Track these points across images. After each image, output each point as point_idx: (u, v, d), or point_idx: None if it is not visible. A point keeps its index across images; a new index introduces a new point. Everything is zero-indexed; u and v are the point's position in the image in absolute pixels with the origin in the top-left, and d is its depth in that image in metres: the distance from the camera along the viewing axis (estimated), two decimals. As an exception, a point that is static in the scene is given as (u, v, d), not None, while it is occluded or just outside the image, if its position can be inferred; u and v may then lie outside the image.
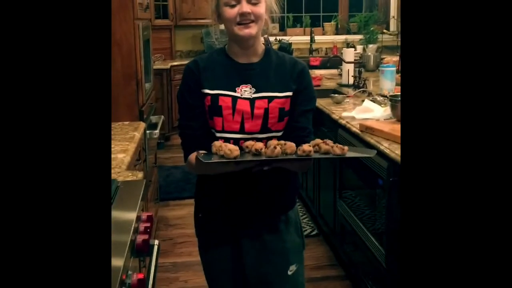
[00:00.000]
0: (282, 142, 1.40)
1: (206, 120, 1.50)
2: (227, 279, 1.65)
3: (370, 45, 5.42)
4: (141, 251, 1.39)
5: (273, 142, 1.42)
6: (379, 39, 5.77)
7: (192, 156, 1.50)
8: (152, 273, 1.45)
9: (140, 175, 1.83)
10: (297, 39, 6.26)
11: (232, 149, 1.31)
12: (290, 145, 1.35)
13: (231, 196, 1.54)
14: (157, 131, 3.00)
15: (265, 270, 1.57)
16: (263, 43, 1.56)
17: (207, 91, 1.48)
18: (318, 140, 1.43)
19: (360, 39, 6.02)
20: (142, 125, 2.65)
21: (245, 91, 1.47)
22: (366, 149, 1.40)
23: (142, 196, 1.58)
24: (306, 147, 1.33)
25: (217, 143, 1.41)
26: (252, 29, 1.43)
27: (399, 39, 5.15)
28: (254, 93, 1.47)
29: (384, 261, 2.10)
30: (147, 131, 2.84)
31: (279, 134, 1.50)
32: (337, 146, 1.34)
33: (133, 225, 1.34)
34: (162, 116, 3.45)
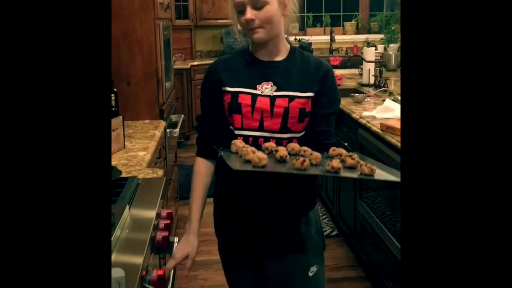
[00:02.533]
0: (305, 149, 1.36)
1: (219, 123, 1.50)
2: (247, 281, 1.64)
3: (391, 45, 5.36)
4: (161, 248, 1.40)
5: (294, 146, 1.39)
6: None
7: (197, 165, 1.57)
8: (172, 270, 1.45)
9: (160, 172, 1.84)
10: (317, 38, 6.24)
11: (261, 158, 1.27)
12: (316, 156, 1.31)
13: (248, 196, 1.51)
14: (177, 129, 3.01)
15: (286, 272, 1.55)
16: (289, 42, 1.53)
17: (228, 88, 1.47)
18: (343, 151, 1.37)
19: (381, 39, 5.97)
20: (163, 123, 2.66)
21: (266, 88, 1.44)
22: (394, 170, 1.34)
23: (162, 194, 1.59)
24: (335, 163, 1.27)
25: (238, 143, 1.39)
26: (260, 34, 1.41)
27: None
28: (275, 91, 1.44)
29: (405, 262, 2.07)
30: (167, 130, 2.85)
31: (299, 134, 1.47)
32: (366, 165, 1.27)
33: (153, 222, 1.35)
34: (182, 115, 3.47)
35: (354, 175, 1.30)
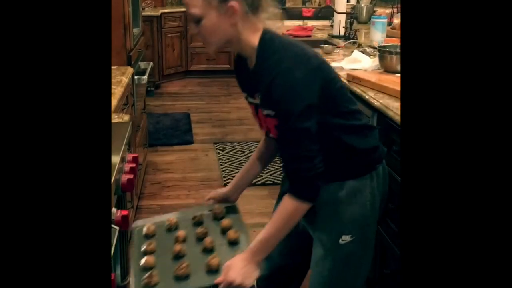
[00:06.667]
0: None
1: None
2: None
3: (364, -3, 5.34)
4: (126, 190, 1.43)
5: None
6: (374, -9, 5.67)
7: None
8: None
9: (126, 117, 1.85)
10: (291, -12, 6.15)
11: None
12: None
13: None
14: (145, 77, 2.99)
15: (316, 234, 1.50)
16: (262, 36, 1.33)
17: (244, 95, 1.47)
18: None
19: (355, -10, 5.92)
20: (130, 70, 2.63)
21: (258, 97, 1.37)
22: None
23: (128, 139, 1.60)
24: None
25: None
26: (208, 48, 1.33)
27: (394, -10, 5.06)
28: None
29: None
30: (136, 77, 2.83)
31: None
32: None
33: (117, 166, 1.37)
34: (151, 63, 3.43)
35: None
